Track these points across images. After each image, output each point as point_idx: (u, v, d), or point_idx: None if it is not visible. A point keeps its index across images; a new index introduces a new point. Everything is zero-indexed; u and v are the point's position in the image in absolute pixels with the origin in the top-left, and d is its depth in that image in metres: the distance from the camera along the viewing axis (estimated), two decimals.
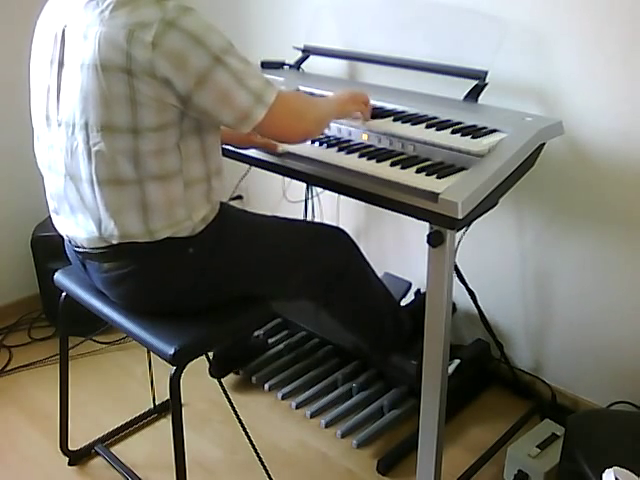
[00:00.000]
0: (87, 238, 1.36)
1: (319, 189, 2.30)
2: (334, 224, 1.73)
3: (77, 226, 1.37)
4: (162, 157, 1.26)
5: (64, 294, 1.61)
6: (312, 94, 1.80)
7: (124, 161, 1.24)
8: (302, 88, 1.85)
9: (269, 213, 1.67)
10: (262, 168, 1.62)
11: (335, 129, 1.64)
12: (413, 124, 1.53)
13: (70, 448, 1.81)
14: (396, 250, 2.25)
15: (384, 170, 1.41)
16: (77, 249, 1.42)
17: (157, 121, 1.22)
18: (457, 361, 1.92)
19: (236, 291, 1.47)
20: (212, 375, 2.00)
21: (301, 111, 1.40)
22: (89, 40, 1.20)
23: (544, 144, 1.51)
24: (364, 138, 1.59)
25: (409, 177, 1.37)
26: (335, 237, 1.66)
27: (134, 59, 1.17)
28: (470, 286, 1.91)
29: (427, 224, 1.34)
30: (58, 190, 1.37)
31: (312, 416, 1.94)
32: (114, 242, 1.32)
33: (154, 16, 1.17)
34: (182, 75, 1.18)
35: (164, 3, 1.20)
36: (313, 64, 2.10)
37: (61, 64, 1.27)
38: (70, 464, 1.81)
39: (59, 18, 1.29)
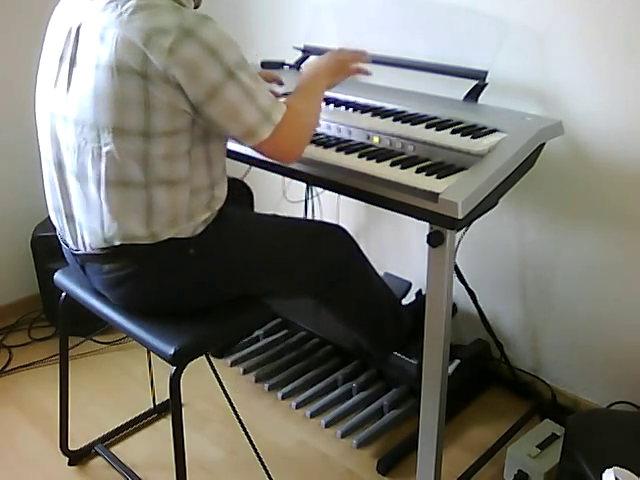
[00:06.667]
0: (89, 242, 1.36)
1: (319, 189, 2.30)
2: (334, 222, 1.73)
3: (79, 229, 1.37)
4: (172, 162, 1.26)
5: (64, 294, 1.61)
6: None
7: (133, 164, 1.24)
8: None
9: (269, 213, 1.67)
10: (262, 168, 1.62)
11: (335, 129, 1.64)
12: (413, 124, 1.53)
13: (70, 448, 1.81)
14: (396, 250, 2.25)
15: (384, 170, 1.41)
16: (76, 252, 1.42)
17: (169, 126, 1.22)
18: (457, 361, 1.92)
19: (236, 290, 1.47)
20: None
21: (304, 130, 1.41)
22: (106, 41, 1.20)
23: (544, 144, 1.51)
24: (364, 138, 1.58)
25: (409, 177, 1.37)
26: (335, 234, 1.66)
27: (150, 63, 1.17)
28: (470, 286, 1.91)
29: (427, 224, 1.34)
30: (61, 187, 1.36)
31: (312, 416, 1.94)
32: (116, 243, 1.32)
33: (173, 23, 1.17)
34: (194, 85, 1.19)
35: (183, 10, 1.21)
36: None
37: (73, 62, 1.27)
38: (70, 464, 1.81)
39: (75, 15, 1.28)
